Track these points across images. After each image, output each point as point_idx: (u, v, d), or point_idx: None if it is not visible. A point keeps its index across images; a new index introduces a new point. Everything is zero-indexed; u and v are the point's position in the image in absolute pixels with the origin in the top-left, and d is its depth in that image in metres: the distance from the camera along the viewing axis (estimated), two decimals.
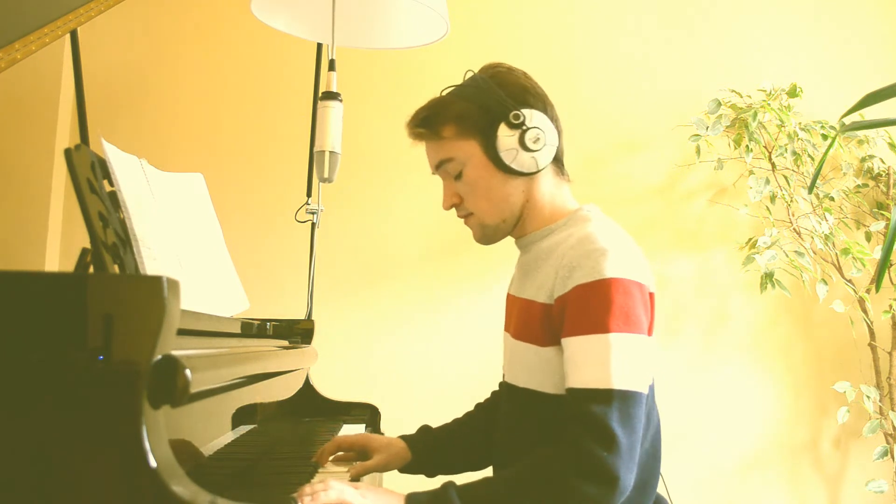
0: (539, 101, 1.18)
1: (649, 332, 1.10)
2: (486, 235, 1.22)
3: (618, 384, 0.99)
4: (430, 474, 1.34)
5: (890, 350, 2.46)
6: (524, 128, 1.14)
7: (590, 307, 1.03)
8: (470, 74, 1.23)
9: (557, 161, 1.21)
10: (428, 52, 1.98)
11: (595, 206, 1.22)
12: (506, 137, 1.14)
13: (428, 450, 1.32)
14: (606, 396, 0.99)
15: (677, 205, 2.65)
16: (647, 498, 1.13)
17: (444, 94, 1.22)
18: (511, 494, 0.98)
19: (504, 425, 1.23)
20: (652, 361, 1.12)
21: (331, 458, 1.29)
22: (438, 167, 1.21)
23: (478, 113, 1.16)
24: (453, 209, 1.23)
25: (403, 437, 1.33)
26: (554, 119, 1.20)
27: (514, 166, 1.15)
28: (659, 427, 1.17)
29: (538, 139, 1.14)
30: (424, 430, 1.36)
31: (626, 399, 0.99)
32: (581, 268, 1.05)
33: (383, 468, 1.28)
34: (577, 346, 1.04)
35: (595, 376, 1.00)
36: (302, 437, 1.48)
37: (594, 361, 1.01)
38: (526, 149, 1.14)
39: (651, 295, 1.12)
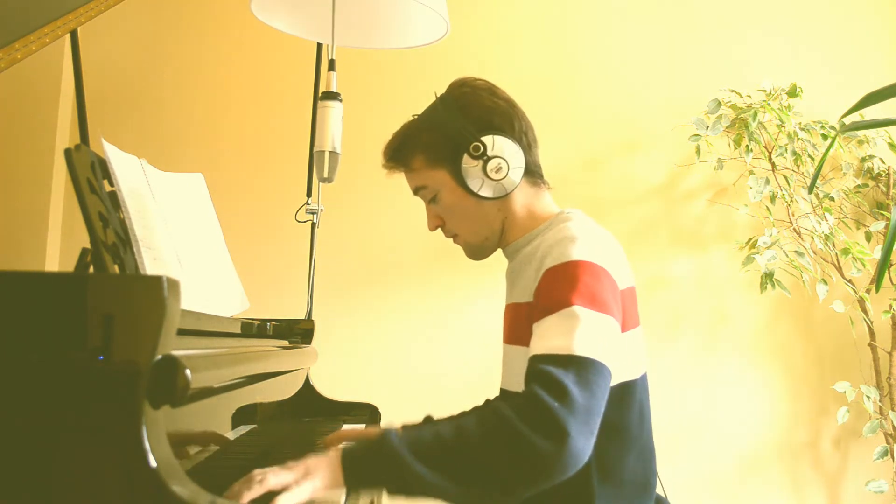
0: (505, 119, 1.18)
1: (624, 327, 1.09)
2: (475, 252, 1.26)
3: (579, 351, 0.97)
4: None
5: (890, 350, 2.46)
6: (485, 158, 1.15)
7: (557, 287, 1.04)
8: (438, 95, 1.23)
9: (531, 173, 1.21)
10: (428, 52, 1.98)
11: (578, 210, 1.22)
12: (470, 168, 1.16)
13: None
14: (566, 360, 0.96)
15: (677, 205, 2.65)
16: (648, 497, 1.13)
17: (411, 121, 1.24)
18: (456, 441, 0.92)
19: None
20: (634, 354, 1.13)
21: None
22: (416, 193, 1.25)
23: (443, 143, 1.18)
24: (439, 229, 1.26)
25: (404, 425, 1.36)
26: (523, 132, 1.19)
27: (482, 193, 1.17)
28: (650, 423, 1.17)
29: (500, 169, 1.15)
30: (426, 418, 1.40)
31: (585, 365, 0.96)
32: (551, 255, 1.07)
33: None
34: (543, 325, 1.02)
35: (557, 343, 0.98)
36: (302, 437, 1.48)
37: (558, 332, 0.99)
38: (489, 178, 1.15)
39: (630, 290, 1.13)
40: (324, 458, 0.92)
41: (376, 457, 0.91)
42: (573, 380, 0.93)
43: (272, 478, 0.88)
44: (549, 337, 1.00)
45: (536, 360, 0.98)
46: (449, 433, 0.93)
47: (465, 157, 1.15)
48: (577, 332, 0.98)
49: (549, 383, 0.93)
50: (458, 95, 1.20)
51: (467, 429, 0.93)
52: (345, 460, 0.92)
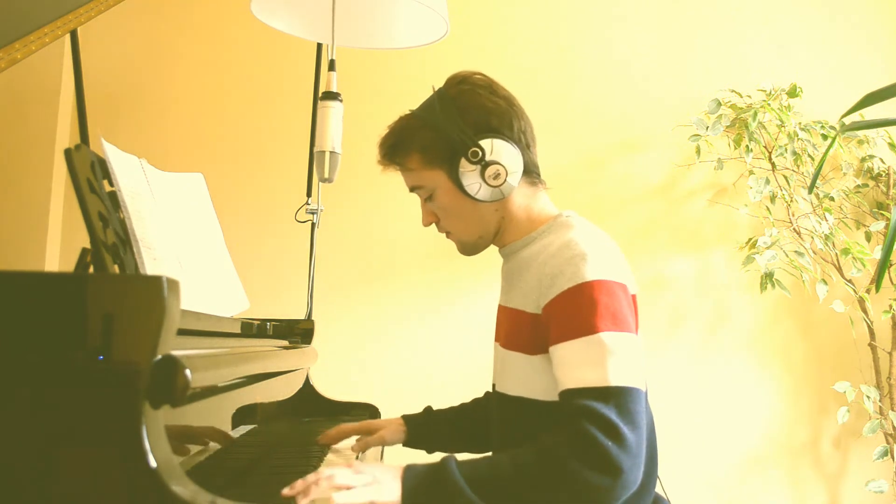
0: (504, 120, 1.17)
1: (635, 332, 1.10)
2: (468, 249, 1.26)
3: (615, 381, 0.99)
4: (429, 450, 1.40)
5: (890, 350, 2.46)
6: (483, 163, 1.14)
7: (576, 311, 1.04)
8: (436, 89, 1.21)
9: (529, 172, 1.20)
10: (428, 52, 1.98)
11: (574, 211, 1.22)
12: (467, 172, 1.15)
13: (423, 427, 1.39)
14: (605, 393, 0.98)
15: (677, 205, 2.65)
16: (646, 497, 1.13)
17: (408, 116, 1.21)
18: (514, 475, 0.96)
19: (497, 434, 1.24)
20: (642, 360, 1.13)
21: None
22: (412, 191, 1.24)
23: (440, 144, 1.16)
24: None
25: (404, 415, 1.41)
26: (521, 132, 1.18)
27: (479, 197, 1.16)
28: (653, 425, 1.17)
29: (498, 175, 1.14)
30: (426, 409, 1.43)
31: (624, 395, 0.99)
32: (563, 274, 1.06)
33: (380, 442, 1.36)
34: (569, 350, 1.03)
35: (591, 376, 1.00)
36: (302, 437, 1.48)
37: (588, 362, 1.01)
38: (487, 184, 1.15)
39: (634, 296, 1.13)
40: (390, 471, 0.96)
41: (435, 483, 0.94)
42: (617, 415, 0.97)
43: (339, 477, 0.92)
44: (579, 367, 1.01)
45: (576, 395, 1.00)
46: (506, 467, 0.96)
47: (463, 162, 1.14)
48: (609, 360, 1.00)
49: (598, 421, 0.96)
50: (456, 94, 1.18)
51: (525, 464, 0.96)
52: (405, 481, 0.95)
